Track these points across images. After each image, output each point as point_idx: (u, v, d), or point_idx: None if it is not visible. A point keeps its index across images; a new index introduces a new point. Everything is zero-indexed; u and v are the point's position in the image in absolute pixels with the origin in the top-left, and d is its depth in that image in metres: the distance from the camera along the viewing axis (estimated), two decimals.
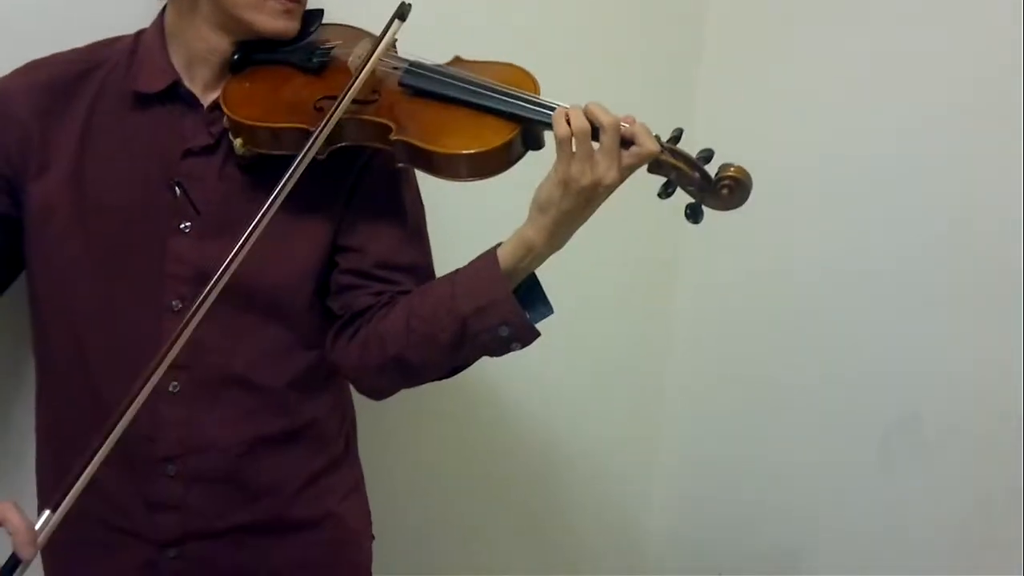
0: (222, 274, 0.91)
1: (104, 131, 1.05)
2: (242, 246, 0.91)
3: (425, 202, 1.17)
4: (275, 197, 0.93)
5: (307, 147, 0.96)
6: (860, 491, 1.59)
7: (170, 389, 1.05)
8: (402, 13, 1.02)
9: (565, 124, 0.96)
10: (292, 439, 1.13)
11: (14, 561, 0.83)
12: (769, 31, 1.70)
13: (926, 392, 1.49)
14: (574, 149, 0.96)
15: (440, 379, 1.12)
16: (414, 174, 1.15)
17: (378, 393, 1.14)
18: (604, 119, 0.96)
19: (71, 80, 1.06)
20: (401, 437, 1.50)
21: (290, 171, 0.94)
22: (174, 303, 1.04)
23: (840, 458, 1.61)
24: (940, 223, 1.45)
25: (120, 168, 1.05)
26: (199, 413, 1.06)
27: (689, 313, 1.84)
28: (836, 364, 1.61)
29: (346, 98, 0.98)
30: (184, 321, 0.89)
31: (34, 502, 1.11)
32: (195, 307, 0.90)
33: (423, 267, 1.14)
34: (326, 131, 0.97)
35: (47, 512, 0.85)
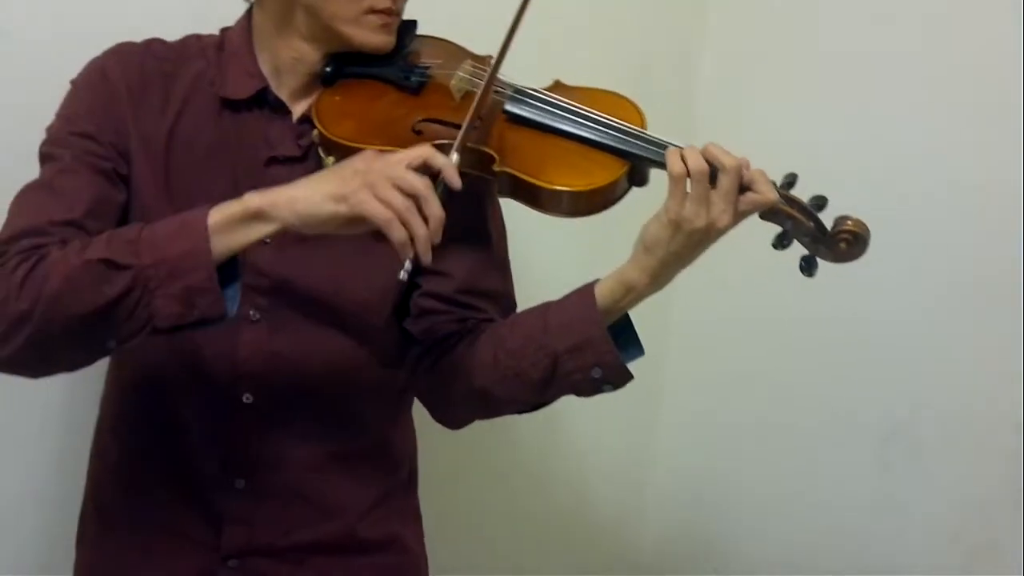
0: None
1: (191, 132, 1.02)
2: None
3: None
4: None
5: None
6: (858, 493, 1.59)
7: (244, 400, 1.03)
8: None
9: (681, 163, 0.92)
10: (363, 459, 1.10)
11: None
12: (769, 39, 1.70)
13: (925, 395, 1.49)
14: (689, 190, 0.92)
15: (521, 412, 1.10)
16: (498, 200, 1.11)
17: (455, 423, 1.11)
18: (726, 161, 0.92)
19: (162, 76, 1.03)
20: None
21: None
22: (252, 313, 1.01)
23: (838, 459, 1.62)
24: (939, 226, 1.45)
25: (205, 171, 1.02)
26: (272, 427, 1.04)
27: (687, 313, 1.83)
28: (834, 366, 1.61)
29: (464, 127, 0.94)
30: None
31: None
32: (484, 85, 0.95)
33: (508, 296, 1.12)
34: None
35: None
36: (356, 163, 0.89)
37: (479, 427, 1.29)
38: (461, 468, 1.66)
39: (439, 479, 1.59)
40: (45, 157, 0.99)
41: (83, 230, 0.93)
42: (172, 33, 1.09)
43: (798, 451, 1.68)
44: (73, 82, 1.03)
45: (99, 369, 1.09)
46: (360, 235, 0.95)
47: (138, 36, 1.07)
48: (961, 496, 1.45)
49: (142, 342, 0.93)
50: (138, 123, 1.00)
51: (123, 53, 1.03)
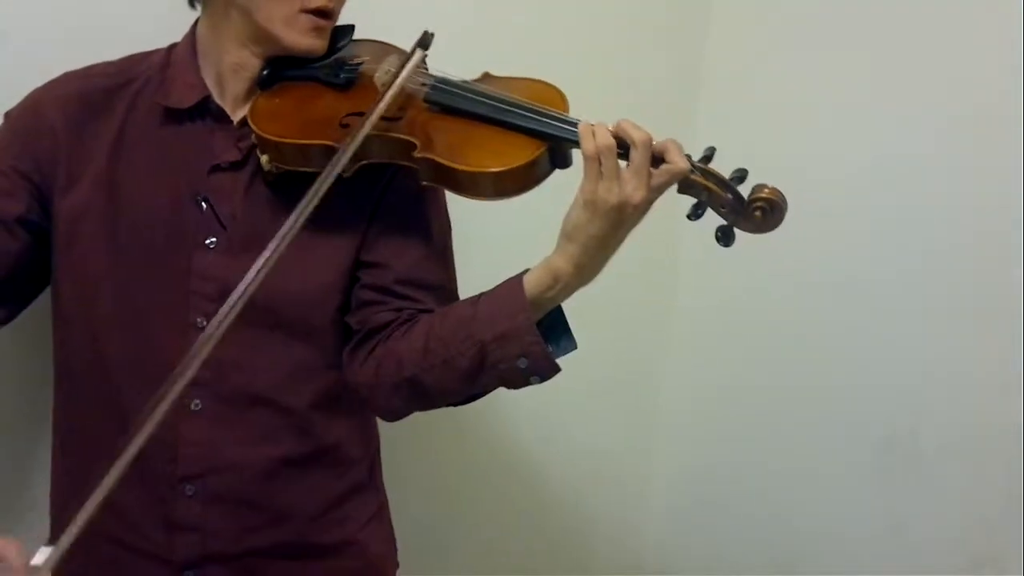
0: (245, 289, 0.88)
1: (135, 145, 1.06)
2: (267, 260, 0.88)
3: (454, 223, 1.15)
4: (299, 213, 0.91)
5: (332, 164, 0.94)
6: (858, 501, 1.57)
7: (192, 407, 1.04)
8: (424, 42, 1.02)
9: (592, 140, 0.93)
10: (315, 462, 1.10)
11: None
12: (771, 48, 1.70)
13: (925, 404, 1.47)
14: (601, 167, 0.93)
15: (454, 405, 1.10)
16: (443, 193, 1.13)
17: (391, 413, 1.11)
18: (634, 134, 0.93)
19: (104, 93, 1.07)
20: (399, 444, 1.49)
21: (314, 188, 0.92)
22: (199, 320, 1.03)
23: (838, 470, 1.59)
24: (940, 235, 1.43)
25: (149, 182, 1.05)
26: (221, 433, 1.05)
27: (688, 318, 1.83)
28: (834, 376, 1.59)
29: (372, 117, 0.96)
30: (200, 340, 0.86)
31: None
32: (217, 325, 0.87)
33: (446, 287, 1.12)
34: (351, 149, 0.96)
35: (47, 549, 0.79)
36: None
37: (478, 433, 1.29)
38: (460, 471, 1.67)
39: (440, 480, 1.63)
40: None
41: None
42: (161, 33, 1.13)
43: (796, 459, 1.66)
44: (6, 114, 1.07)
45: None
46: (300, 235, 0.97)
47: (130, 37, 1.12)
48: (962, 506, 1.42)
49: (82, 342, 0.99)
50: (78, 146, 1.04)
51: (60, 83, 1.07)
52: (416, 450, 1.56)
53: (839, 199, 1.56)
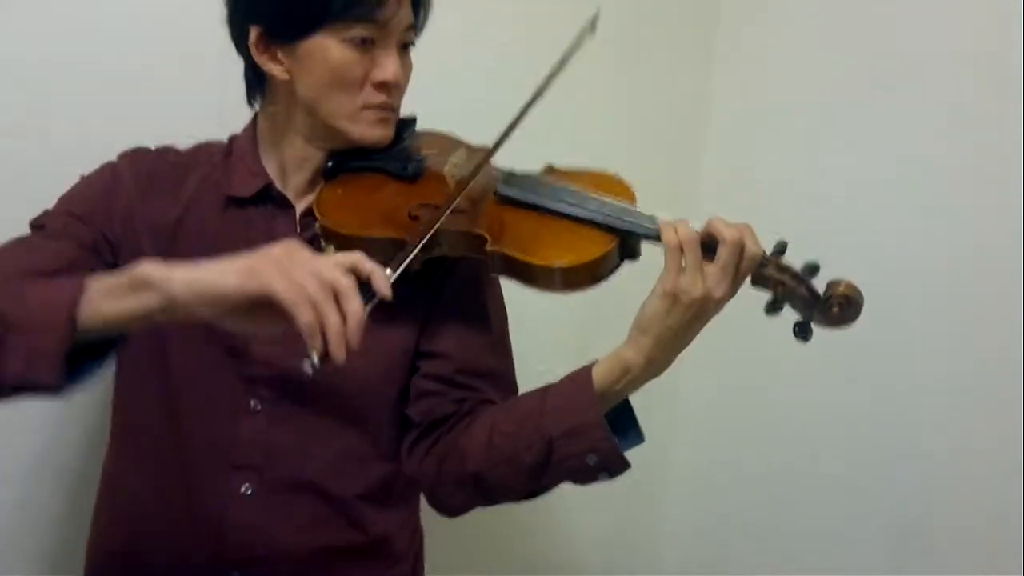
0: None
1: (197, 226, 1.06)
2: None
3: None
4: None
5: (408, 257, 0.92)
6: None
7: (242, 491, 1.03)
8: (594, 23, 1.05)
9: (674, 232, 0.93)
10: (363, 554, 1.09)
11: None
12: (775, 93, 1.72)
13: (936, 493, 1.44)
14: (683, 261, 0.93)
15: (516, 501, 1.07)
16: (499, 282, 1.13)
17: (452, 510, 1.08)
18: (726, 232, 0.92)
19: (171, 175, 1.08)
20: None
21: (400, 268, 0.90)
22: (253, 403, 1.03)
23: (849, 560, 1.55)
24: (951, 312, 1.41)
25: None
26: (270, 518, 1.03)
27: (694, 401, 1.81)
28: (844, 462, 1.56)
29: (447, 209, 0.96)
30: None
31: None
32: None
33: (506, 376, 1.11)
34: (423, 242, 0.95)
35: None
36: (275, 250, 0.81)
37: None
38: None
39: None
40: (35, 226, 1.03)
41: None
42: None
43: (807, 546, 1.62)
44: (83, 176, 1.08)
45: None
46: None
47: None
48: None
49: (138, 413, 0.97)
50: (146, 213, 1.04)
51: (137, 153, 1.09)
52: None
53: (849, 269, 1.54)
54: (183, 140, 1.14)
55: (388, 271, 0.86)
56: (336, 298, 0.79)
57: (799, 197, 1.63)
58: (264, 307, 0.78)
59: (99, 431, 1.18)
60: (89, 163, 1.09)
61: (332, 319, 0.78)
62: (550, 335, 1.51)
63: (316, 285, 0.78)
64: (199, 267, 0.81)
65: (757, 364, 1.69)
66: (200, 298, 0.79)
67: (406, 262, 0.89)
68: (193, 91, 1.32)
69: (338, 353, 0.78)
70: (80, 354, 0.83)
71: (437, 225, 0.96)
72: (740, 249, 0.93)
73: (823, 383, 1.58)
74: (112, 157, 1.09)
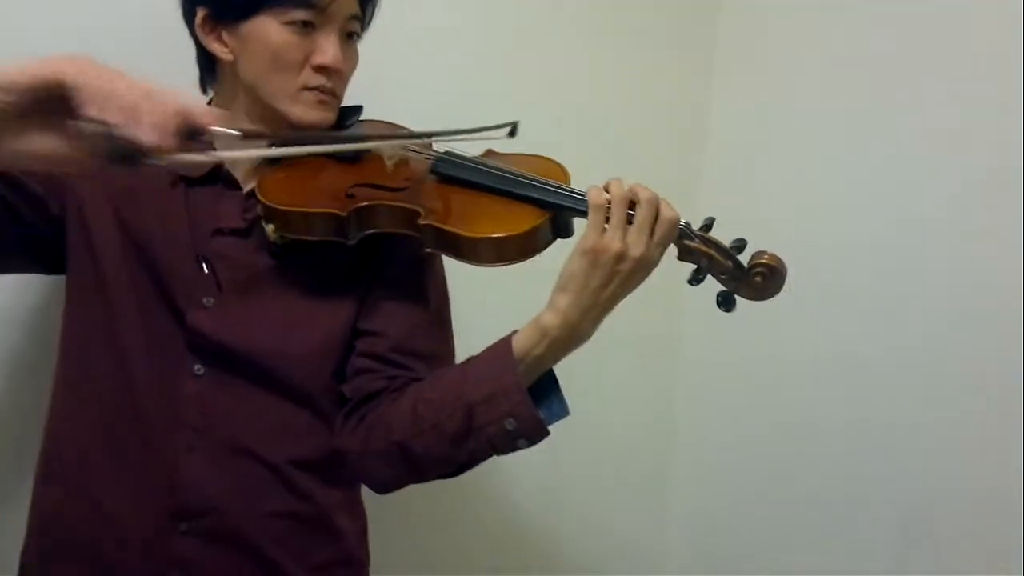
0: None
1: (144, 201, 1.07)
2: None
3: (452, 294, 1.16)
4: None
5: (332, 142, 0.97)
6: None
7: (188, 447, 1.04)
8: (513, 130, 1.05)
9: (603, 192, 0.95)
10: (305, 522, 1.09)
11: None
12: (774, 114, 1.72)
13: (939, 488, 1.43)
14: (608, 216, 0.94)
15: (445, 476, 1.08)
16: (441, 264, 1.15)
17: (381, 485, 1.10)
18: (641, 193, 0.95)
19: None
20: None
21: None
22: (197, 367, 1.04)
23: (850, 557, 1.54)
24: (951, 309, 1.41)
25: (159, 232, 1.07)
26: (214, 477, 1.05)
27: (695, 397, 1.80)
28: (847, 458, 1.55)
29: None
30: None
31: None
32: None
33: (442, 356, 1.12)
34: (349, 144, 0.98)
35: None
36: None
37: (477, 495, 1.25)
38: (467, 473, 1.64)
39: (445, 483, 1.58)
40: None
41: None
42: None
43: (809, 544, 1.62)
44: None
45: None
46: (298, 296, 0.99)
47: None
48: None
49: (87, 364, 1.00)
50: (102, 177, 1.05)
51: None
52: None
53: (850, 274, 1.54)
54: None
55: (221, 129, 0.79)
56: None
57: (798, 197, 1.65)
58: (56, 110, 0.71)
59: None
60: None
61: (146, 107, 0.70)
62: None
63: (125, 85, 0.71)
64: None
65: (758, 365, 1.69)
66: None
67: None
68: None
69: (148, 139, 0.70)
70: None
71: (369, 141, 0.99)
72: (655, 208, 0.95)
73: (824, 383, 1.58)
74: None
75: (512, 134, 1.05)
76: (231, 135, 0.83)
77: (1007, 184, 1.34)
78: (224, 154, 0.90)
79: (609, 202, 0.94)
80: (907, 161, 1.48)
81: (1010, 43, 1.34)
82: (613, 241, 0.93)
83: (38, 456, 1.11)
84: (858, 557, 1.54)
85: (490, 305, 1.29)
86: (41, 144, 0.73)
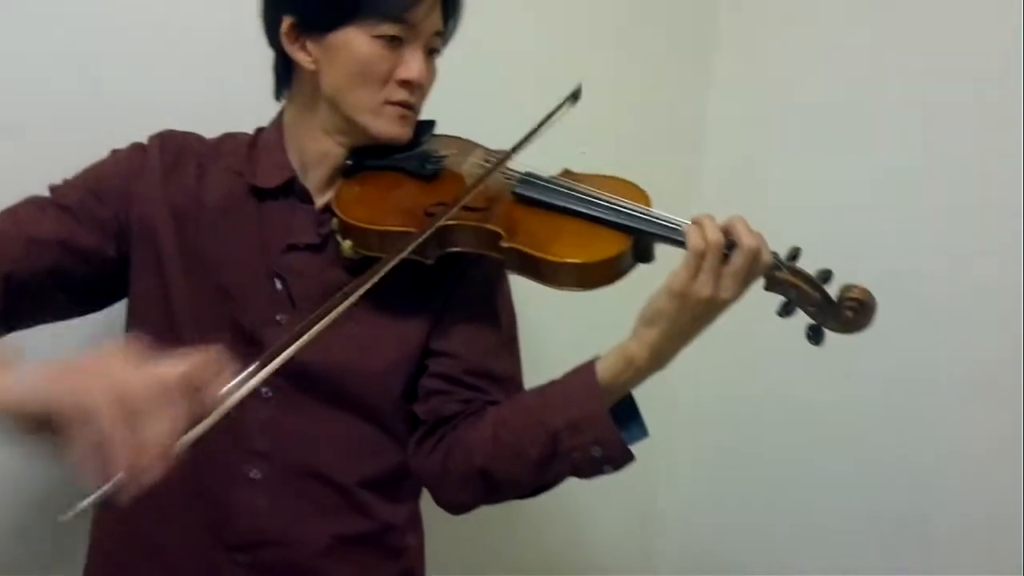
0: (286, 344, 0.81)
1: (214, 217, 1.06)
2: (316, 318, 0.83)
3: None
4: (365, 280, 0.88)
5: (409, 244, 0.95)
6: None
7: (251, 476, 1.02)
8: (575, 94, 1.04)
9: (702, 237, 0.93)
10: (369, 542, 1.08)
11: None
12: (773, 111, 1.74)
13: (935, 490, 1.44)
14: (705, 264, 0.93)
15: (522, 497, 1.07)
16: (508, 285, 1.14)
17: (457, 507, 1.09)
18: (745, 239, 0.93)
19: (196, 160, 1.09)
20: None
21: (382, 264, 0.91)
22: (264, 390, 1.02)
23: (847, 556, 1.55)
24: (950, 313, 1.42)
25: (228, 252, 1.06)
26: (276, 503, 1.03)
27: (692, 397, 1.81)
28: (843, 458, 1.56)
29: (463, 199, 0.98)
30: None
31: None
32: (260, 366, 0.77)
33: (514, 379, 1.12)
34: (429, 233, 0.96)
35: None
36: (87, 359, 0.69)
37: None
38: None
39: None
40: (53, 188, 1.04)
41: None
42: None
43: (805, 541, 1.63)
44: (113, 151, 1.09)
45: None
46: (372, 313, 0.98)
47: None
48: None
49: None
50: (167, 197, 1.05)
51: (166, 136, 1.10)
52: None
53: (849, 275, 1.54)
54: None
55: (234, 383, 0.73)
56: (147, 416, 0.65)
57: (798, 197, 1.66)
58: (50, 429, 0.66)
59: None
60: (85, 161, 1.09)
61: (118, 443, 0.63)
62: (559, 339, 1.52)
63: (112, 397, 0.64)
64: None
65: (756, 364, 1.70)
66: None
67: (259, 377, 0.77)
68: (189, 91, 1.33)
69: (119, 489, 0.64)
70: None
71: (440, 223, 0.97)
72: (755, 256, 0.93)
73: (821, 383, 1.58)
74: (104, 154, 1.09)
75: (576, 98, 1.06)
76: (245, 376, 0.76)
77: (1007, 184, 1.34)
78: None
79: (706, 249, 0.92)
80: (907, 156, 1.48)
81: (1011, 42, 1.34)
82: (705, 287, 0.92)
83: None
84: (852, 560, 1.55)
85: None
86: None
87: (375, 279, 0.89)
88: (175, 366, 0.68)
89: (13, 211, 1.01)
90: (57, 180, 1.06)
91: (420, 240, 0.96)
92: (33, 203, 1.02)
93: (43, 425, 0.65)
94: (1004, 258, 1.34)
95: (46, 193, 1.05)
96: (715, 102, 1.83)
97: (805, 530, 1.63)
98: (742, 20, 1.80)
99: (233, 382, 0.73)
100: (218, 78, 1.31)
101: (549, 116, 1.06)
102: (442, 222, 0.98)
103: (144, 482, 0.65)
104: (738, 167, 1.78)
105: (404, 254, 0.94)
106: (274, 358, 0.78)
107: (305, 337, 0.81)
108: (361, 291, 0.87)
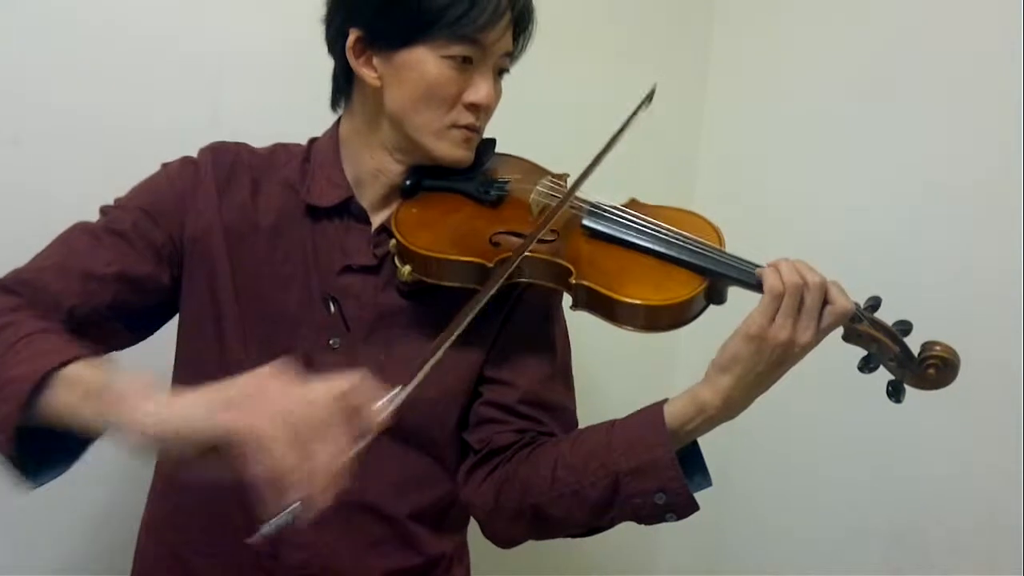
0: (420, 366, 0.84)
1: (268, 236, 1.03)
2: (424, 364, 0.84)
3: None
4: (453, 329, 0.87)
5: (492, 282, 0.91)
6: None
7: None
8: (650, 95, 1.01)
9: (780, 278, 0.90)
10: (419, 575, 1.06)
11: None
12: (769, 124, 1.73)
13: (931, 501, 1.43)
14: (782, 306, 0.90)
15: (574, 536, 1.04)
16: (563, 313, 1.10)
17: (507, 541, 1.06)
18: (809, 277, 0.90)
19: (250, 175, 1.05)
20: None
21: (472, 309, 0.88)
22: None
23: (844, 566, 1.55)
24: (946, 320, 1.36)
25: (278, 271, 1.02)
26: (325, 537, 1.00)
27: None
28: (840, 469, 1.55)
29: (530, 238, 0.94)
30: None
31: None
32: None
33: (568, 410, 1.09)
34: (509, 270, 0.92)
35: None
36: (247, 383, 0.74)
37: None
38: None
39: None
40: (105, 213, 1.01)
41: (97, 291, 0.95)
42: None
43: (804, 553, 1.62)
44: (164, 164, 1.06)
45: None
46: (426, 338, 0.94)
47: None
48: None
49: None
50: (222, 213, 1.02)
51: (218, 150, 1.06)
52: None
53: (849, 276, 1.54)
54: (178, 141, 1.10)
55: (384, 400, 0.77)
56: (315, 439, 0.70)
57: (797, 197, 1.64)
58: (219, 449, 0.70)
59: None
60: (84, 167, 1.06)
61: (294, 470, 0.69)
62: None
63: (281, 425, 0.69)
64: (173, 402, 0.75)
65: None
66: (159, 439, 0.74)
67: (407, 389, 0.81)
68: (188, 93, 1.31)
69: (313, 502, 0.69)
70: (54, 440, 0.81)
71: (518, 260, 0.93)
72: (823, 295, 0.91)
73: (821, 387, 1.52)
74: (101, 160, 1.07)
75: (650, 100, 1.03)
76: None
77: (1007, 184, 1.31)
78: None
79: (784, 290, 0.90)
80: (906, 156, 1.46)
81: (1009, 42, 1.32)
82: (782, 331, 0.89)
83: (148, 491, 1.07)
84: (850, 561, 1.54)
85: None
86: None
87: (478, 308, 0.88)
88: (331, 388, 0.72)
89: (67, 241, 0.97)
90: (55, 187, 1.03)
91: (509, 272, 0.92)
92: (88, 232, 0.98)
93: (210, 451, 0.70)
94: (1004, 258, 1.32)
95: (46, 196, 1.02)
96: (713, 104, 1.84)
97: (805, 531, 1.62)
98: (740, 19, 1.81)
99: (382, 400, 0.76)
100: (221, 89, 1.28)
101: (627, 122, 1.01)
102: (523, 255, 0.94)
103: (321, 504, 0.69)
104: (735, 167, 1.78)
105: (499, 285, 0.91)
106: (412, 378, 0.82)
107: (432, 359, 0.84)
108: (467, 321, 0.87)
